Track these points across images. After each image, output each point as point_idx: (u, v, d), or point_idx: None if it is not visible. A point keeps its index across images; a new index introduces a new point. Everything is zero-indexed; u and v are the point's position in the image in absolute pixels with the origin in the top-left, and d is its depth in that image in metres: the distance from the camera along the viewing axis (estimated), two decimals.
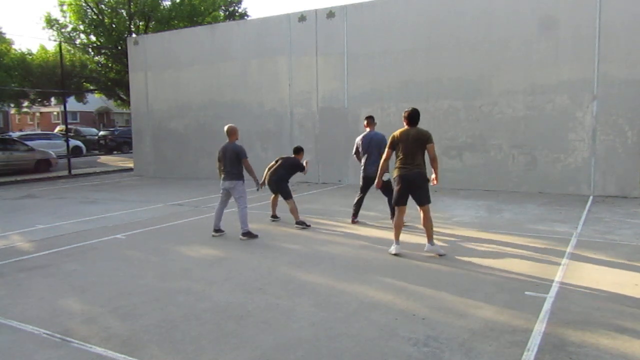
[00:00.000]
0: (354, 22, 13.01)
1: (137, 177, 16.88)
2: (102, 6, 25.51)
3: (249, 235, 7.18)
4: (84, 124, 43.50)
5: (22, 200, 11.94)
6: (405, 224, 6.88)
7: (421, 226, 6.21)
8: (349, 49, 13.11)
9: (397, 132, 6.19)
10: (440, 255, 6.03)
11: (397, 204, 6.17)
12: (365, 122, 8.29)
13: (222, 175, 7.35)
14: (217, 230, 7.46)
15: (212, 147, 15.55)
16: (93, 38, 26.73)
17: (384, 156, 6.44)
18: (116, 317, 4.29)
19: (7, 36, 30.83)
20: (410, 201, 6.15)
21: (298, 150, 8.58)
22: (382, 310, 4.32)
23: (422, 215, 6.13)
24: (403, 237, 6.90)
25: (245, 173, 7.27)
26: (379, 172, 6.57)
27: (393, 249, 6.19)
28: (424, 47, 12.10)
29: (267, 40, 14.39)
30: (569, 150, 10.77)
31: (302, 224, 7.91)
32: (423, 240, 6.69)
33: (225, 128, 7.39)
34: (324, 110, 13.64)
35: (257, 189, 7.80)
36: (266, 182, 8.21)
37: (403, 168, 6.06)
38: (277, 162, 8.37)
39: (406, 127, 6.19)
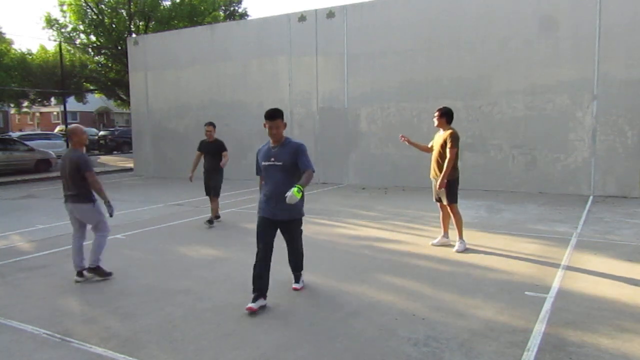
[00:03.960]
0: (354, 22, 13.00)
1: (137, 177, 16.88)
2: (102, 6, 25.55)
3: (97, 271, 5.31)
4: (84, 124, 43.49)
5: (22, 200, 11.94)
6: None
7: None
8: (349, 49, 13.10)
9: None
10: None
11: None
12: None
13: (64, 196, 5.39)
14: (80, 273, 5.31)
15: None
16: (93, 38, 26.78)
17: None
18: (116, 317, 4.29)
19: (7, 36, 30.85)
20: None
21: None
22: (382, 310, 4.32)
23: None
24: (406, 237, 6.90)
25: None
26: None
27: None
28: (424, 47, 12.09)
29: (267, 40, 14.39)
30: (569, 150, 10.76)
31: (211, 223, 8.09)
32: (423, 240, 6.71)
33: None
34: (324, 110, 13.63)
35: (110, 215, 5.34)
36: None
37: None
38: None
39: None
